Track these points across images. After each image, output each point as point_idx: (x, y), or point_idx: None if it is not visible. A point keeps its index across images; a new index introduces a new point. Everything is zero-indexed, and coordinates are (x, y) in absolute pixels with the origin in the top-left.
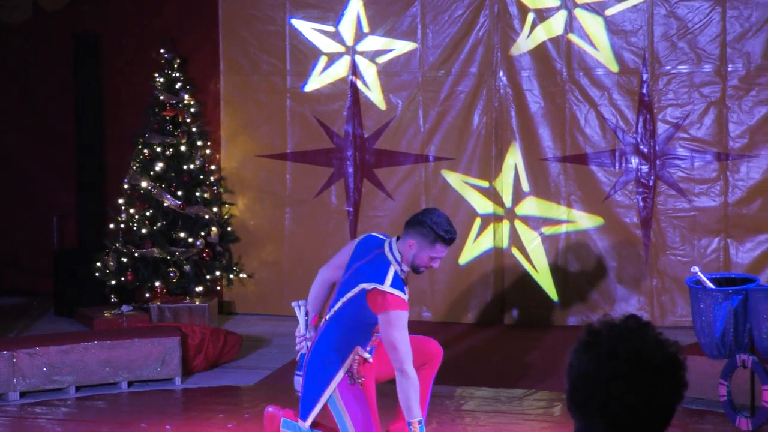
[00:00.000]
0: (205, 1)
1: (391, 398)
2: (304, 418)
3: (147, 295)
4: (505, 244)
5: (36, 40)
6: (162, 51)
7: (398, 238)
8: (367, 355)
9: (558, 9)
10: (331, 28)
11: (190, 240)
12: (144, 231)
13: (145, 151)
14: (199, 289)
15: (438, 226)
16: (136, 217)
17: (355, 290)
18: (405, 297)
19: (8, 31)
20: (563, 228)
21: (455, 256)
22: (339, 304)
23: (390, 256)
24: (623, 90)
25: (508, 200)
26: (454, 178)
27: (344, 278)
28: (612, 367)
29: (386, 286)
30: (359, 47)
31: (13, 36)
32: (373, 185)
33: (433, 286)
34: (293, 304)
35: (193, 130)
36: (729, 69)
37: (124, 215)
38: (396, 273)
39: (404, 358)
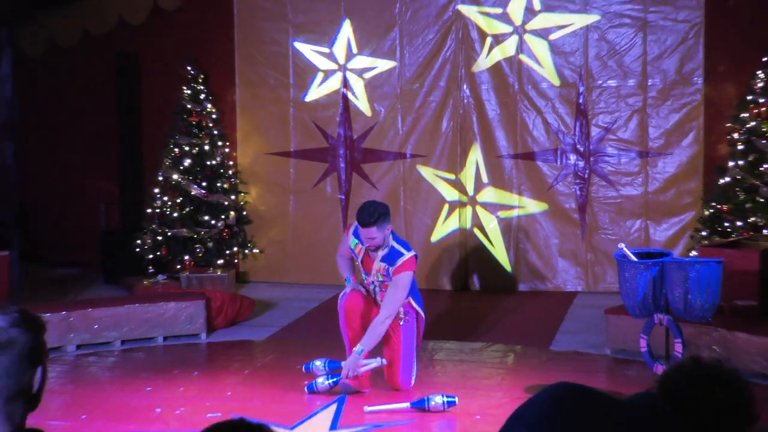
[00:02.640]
0: (223, 27)
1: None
2: None
3: (178, 266)
4: (468, 225)
5: (84, 58)
6: (188, 68)
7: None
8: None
9: (511, 34)
10: (326, 50)
11: (213, 222)
12: (175, 215)
13: (176, 149)
14: (220, 261)
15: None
16: (169, 203)
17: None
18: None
19: (61, 52)
20: (515, 212)
21: (428, 235)
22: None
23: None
24: (564, 100)
25: (470, 189)
26: (426, 172)
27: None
28: (712, 375)
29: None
30: (349, 65)
31: (66, 55)
32: (360, 178)
33: None
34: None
35: (214, 132)
36: (649, 83)
37: (158, 202)
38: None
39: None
